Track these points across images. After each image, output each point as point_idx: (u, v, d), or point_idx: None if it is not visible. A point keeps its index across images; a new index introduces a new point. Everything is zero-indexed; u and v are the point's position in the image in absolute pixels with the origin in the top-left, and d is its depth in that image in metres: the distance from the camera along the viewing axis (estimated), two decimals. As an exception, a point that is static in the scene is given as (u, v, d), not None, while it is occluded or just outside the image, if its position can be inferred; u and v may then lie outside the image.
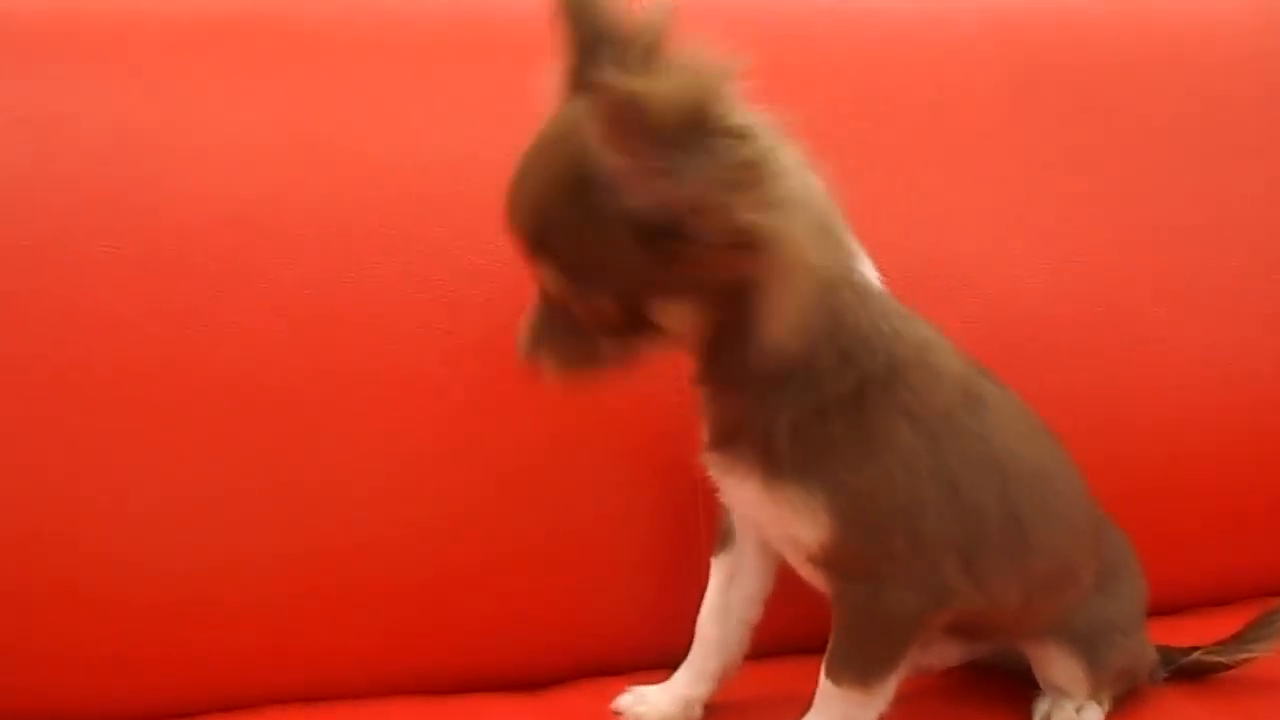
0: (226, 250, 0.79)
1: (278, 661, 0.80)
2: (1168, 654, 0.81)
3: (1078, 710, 0.73)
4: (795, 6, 0.94)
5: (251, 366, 0.79)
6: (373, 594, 0.80)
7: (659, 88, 0.47)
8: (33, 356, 0.77)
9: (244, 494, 0.78)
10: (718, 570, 0.73)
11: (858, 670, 0.63)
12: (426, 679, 0.80)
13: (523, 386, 0.64)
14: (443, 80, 0.86)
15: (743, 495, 0.64)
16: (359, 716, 0.77)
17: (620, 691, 0.76)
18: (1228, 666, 0.80)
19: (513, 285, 0.68)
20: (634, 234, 0.52)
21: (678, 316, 0.57)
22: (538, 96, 0.58)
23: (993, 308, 0.88)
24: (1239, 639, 0.80)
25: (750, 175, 0.49)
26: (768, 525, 0.66)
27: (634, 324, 0.56)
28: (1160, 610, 0.84)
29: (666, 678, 0.75)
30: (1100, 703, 0.75)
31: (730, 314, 0.55)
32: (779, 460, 0.59)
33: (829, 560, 0.62)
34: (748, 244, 0.51)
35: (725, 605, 0.72)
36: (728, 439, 0.62)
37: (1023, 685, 0.77)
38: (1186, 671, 0.81)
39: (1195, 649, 0.81)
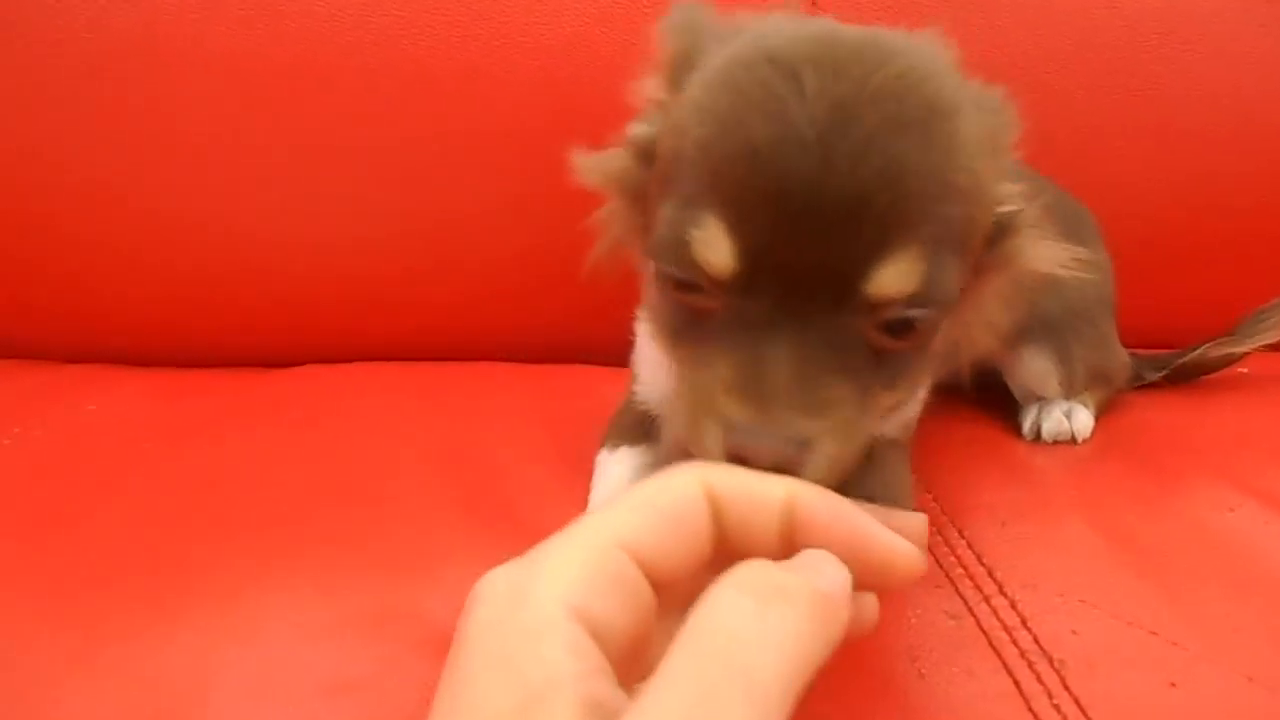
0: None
1: (370, 323, 0.85)
2: (1163, 359, 0.82)
3: (1066, 414, 0.72)
4: None
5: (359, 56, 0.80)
6: (460, 268, 0.84)
7: None
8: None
9: (353, 177, 0.82)
10: (625, 460, 0.57)
11: None
12: (514, 349, 0.85)
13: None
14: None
15: None
16: (445, 373, 0.81)
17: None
18: (1237, 357, 0.81)
19: None
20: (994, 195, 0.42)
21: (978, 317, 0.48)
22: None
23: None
24: (1243, 331, 0.80)
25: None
26: None
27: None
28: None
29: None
30: (1085, 405, 0.74)
31: None
32: None
33: None
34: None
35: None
36: None
37: (1004, 401, 0.76)
38: (1186, 372, 0.81)
39: (1195, 348, 0.81)
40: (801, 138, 0.34)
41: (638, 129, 0.46)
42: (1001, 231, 0.43)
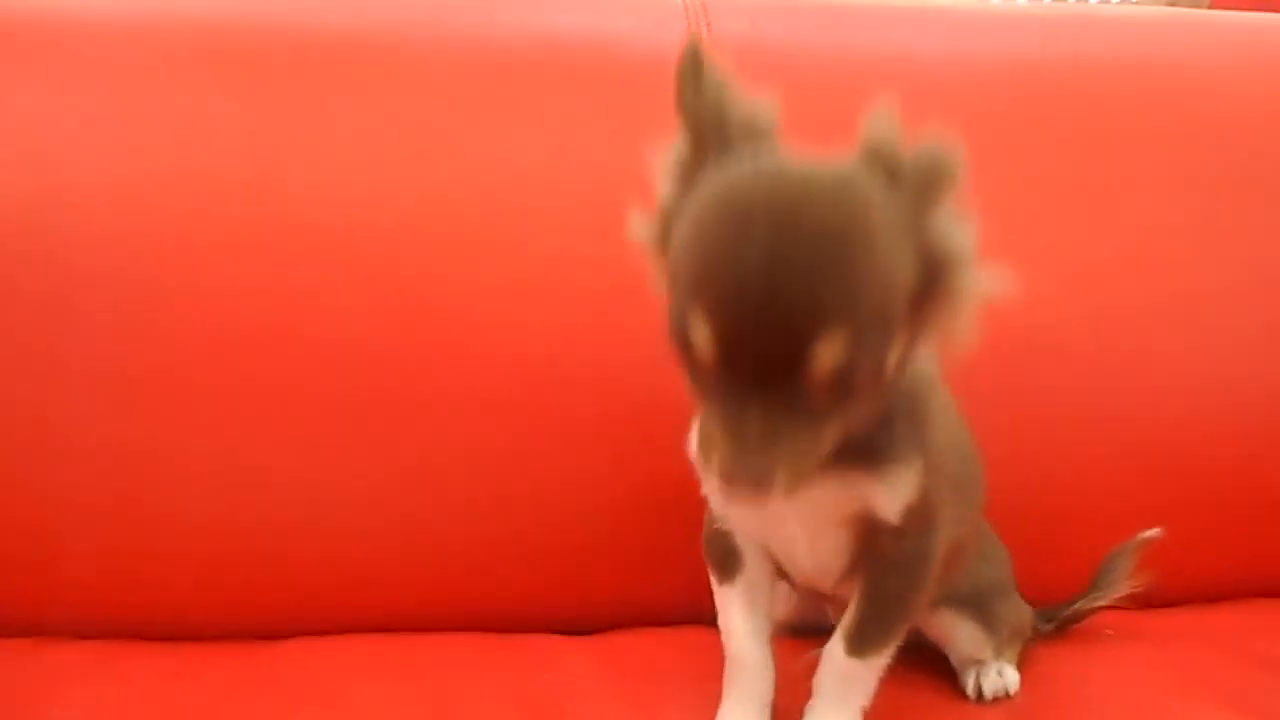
0: (326, 243, 0.93)
1: (354, 597, 0.92)
2: (1051, 611, 0.92)
3: (999, 673, 0.81)
4: (831, 49, 1.07)
5: (346, 351, 0.92)
6: (438, 546, 0.93)
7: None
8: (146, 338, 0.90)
9: (333, 464, 0.91)
10: (736, 597, 0.73)
11: (883, 634, 0.68)
12: (486, 619, 0.92)
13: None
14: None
15: (807, 503, 0.63)
16: (426, 646, 0.88)
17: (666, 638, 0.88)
18: (1099, 609, 0.93)
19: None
20: (920, 277, 0.54)
21: (897, 368, 0.57)
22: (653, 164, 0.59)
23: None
24: (1097, 585, 0.92)
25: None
26: (819, 528, 0.68)
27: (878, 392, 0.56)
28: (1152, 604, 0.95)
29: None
30: (1010, 662, 0.83)
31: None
32: (878, 452, 0.63)
33: (905, 520, 0.66)
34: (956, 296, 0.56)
35: (756, 628, 0.72)
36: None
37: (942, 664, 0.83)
38: (1068, 622, 0.93)
39: (1073, 602, 0.93)
40: (754, 266, 0.49)
41: (661, 193, 0.59)
42: (940, 267, 0.54)
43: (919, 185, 0.54)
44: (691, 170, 0.57)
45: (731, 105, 0.56)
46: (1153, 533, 0.92)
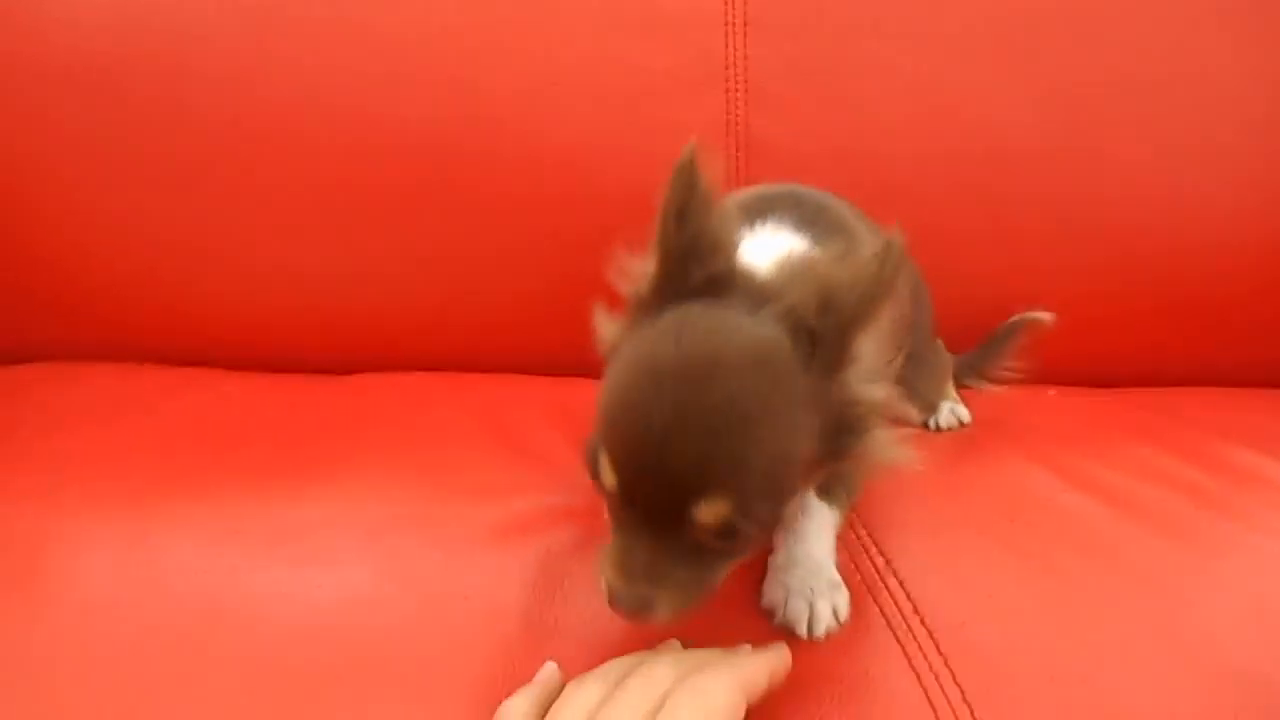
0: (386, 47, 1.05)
1: (415, 340, 1.08)
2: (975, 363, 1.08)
3: (951, 411, 0.98)
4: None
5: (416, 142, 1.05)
6: (490, 298, 1.07)
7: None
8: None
9: (398, 227, 1.06)
10: None
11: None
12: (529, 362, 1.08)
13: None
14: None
15: None
16: (478, 382, 1.04)
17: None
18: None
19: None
20: (824, 435, 0.55)
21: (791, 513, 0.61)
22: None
23: (995, 135, 1.11)
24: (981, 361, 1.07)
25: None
26: None
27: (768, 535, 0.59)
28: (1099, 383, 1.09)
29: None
30: (955, 399, 1.00)
31: None
32: None
33: None
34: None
35: None
36: None
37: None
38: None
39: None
40: (654, 429, 0.53)
41: (629, 297, 0.61)
42: (850, 431, 0.57)
43: (836, 342, 0.54)
44: (652, 293, 0.58)
45: (704, 235, 0.56)
46: (1045, 316, 1.04)
